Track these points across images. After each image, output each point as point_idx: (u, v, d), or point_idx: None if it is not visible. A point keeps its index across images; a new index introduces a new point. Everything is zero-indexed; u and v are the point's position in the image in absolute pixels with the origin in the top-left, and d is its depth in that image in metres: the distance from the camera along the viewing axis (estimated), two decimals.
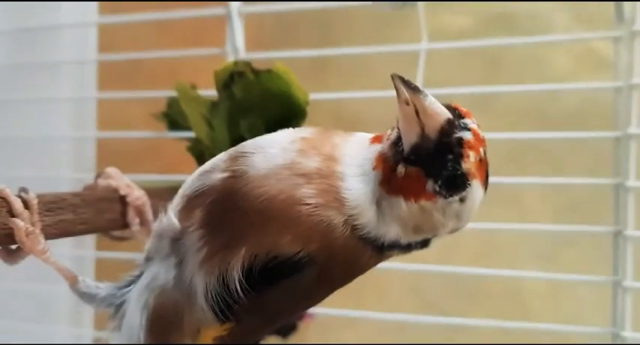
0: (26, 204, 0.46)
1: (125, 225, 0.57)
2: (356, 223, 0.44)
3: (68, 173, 1.02)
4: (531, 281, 0.95)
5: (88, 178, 0.99)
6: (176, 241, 0.46)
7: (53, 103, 1.02)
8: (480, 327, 0.80)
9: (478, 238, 0.96)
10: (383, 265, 0.50)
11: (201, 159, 0.77)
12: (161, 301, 0.47)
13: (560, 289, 0.93)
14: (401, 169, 0.43)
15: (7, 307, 0.97)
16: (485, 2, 0.94)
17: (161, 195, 0.63)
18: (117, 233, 0.59)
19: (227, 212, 0.44)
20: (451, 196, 0.42)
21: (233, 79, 0.63)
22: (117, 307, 0.49)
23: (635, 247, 0.72)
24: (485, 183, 0.44)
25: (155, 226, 0.48)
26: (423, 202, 0.43)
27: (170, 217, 0.46)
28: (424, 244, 0.46)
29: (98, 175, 0.58)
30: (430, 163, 0.42)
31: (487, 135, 0.46)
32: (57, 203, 0.49)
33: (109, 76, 1.09)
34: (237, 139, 0.68)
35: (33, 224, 0.46)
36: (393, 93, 0.84)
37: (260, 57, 0.81)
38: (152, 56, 0.95)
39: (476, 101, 0.95)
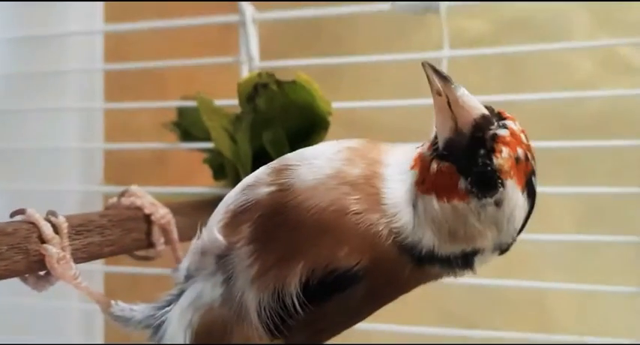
0: (55, 228, 0.44)
1: (150, 244, 0.56)
2: (394, 226, 0.43)
3: (75, 184, 1.00)
4: (555, 291, 0.93)
5: (95, 190, 0.98)
6: (222, 257, 0.45)
7: (60, 113, 1.00)
8: (504, 339, 0.79)
9: None
10: None
11: (220, 171, 0.75)
12: (208, 319, 0.46)
13: (586, 299, 0.91)
14: (434, 165, 0.42)
15: (18, 322, 0.95)
16: (505, 3, 0.91)
17: (183, 211, 0.61)
18: (141, 253, 0.57)
19: (278, 227, 0.43)
20: (484, 196, 0.41)
21: (257, 91, 0.62)
22: (155, 328, 0.48)
23: None
24: (530, 191, 0.43)
25: (195, 243, 0.47)
26: (456, 202, 0.42)
27: (213, 233, 0.45)
28: (465, 259, 0.45)
29: (122, 194, 0.56)
30: (463, 159, 0.41)
31: None
32: (85, 226, 0.48)
33: (116, 85, 1.06)
34: (259, 152, 0.67)
35: (63, 249, 0.45)
36: (407, 102, 0.82)
37: (275, 65, 0.79)
38: (162, 65, 0.92)
39: (496, 106, 0.93)
